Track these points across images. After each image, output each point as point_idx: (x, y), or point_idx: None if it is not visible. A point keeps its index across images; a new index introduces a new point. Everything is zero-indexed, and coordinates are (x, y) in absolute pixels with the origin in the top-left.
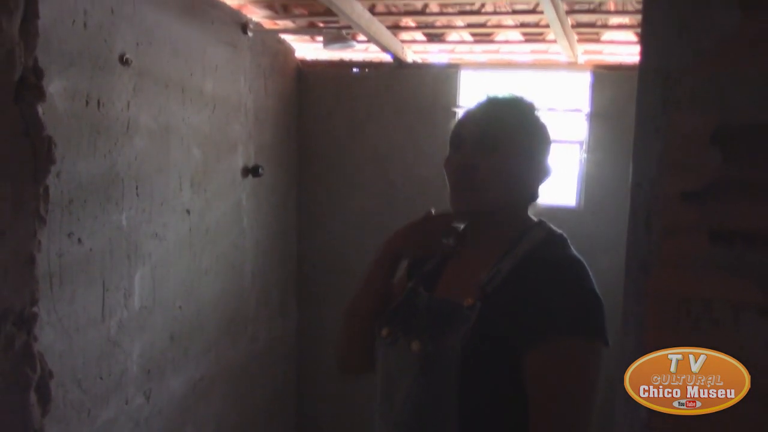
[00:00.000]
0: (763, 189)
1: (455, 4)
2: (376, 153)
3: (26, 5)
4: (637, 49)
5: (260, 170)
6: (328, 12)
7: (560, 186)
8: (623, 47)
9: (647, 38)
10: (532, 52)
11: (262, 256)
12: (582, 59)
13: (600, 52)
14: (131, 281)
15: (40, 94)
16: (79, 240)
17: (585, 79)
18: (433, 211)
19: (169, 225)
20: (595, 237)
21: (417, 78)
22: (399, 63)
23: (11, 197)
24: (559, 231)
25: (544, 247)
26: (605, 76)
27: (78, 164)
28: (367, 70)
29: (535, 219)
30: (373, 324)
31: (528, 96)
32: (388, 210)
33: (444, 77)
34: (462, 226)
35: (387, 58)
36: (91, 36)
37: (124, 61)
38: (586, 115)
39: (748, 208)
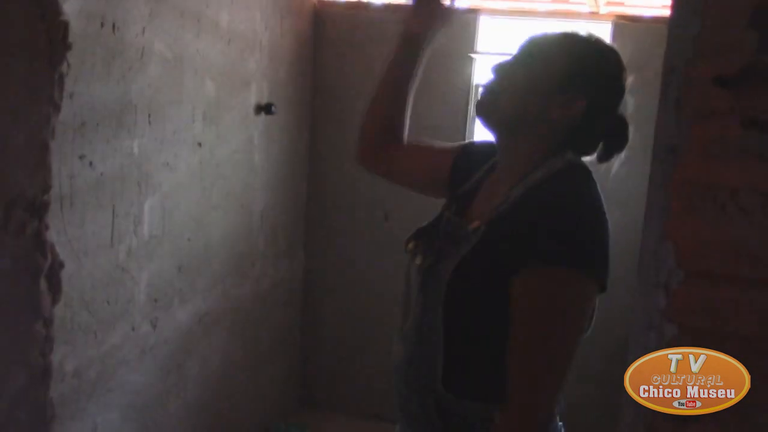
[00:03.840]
0: None
1: None
2: None
3: None
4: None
5: (273, 108)
6: None
7: None
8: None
9: None
10: (553, 1)
11: (272, 196)
12: (604, 10)
13: (622, 4)
14: (141, 209)
15: None
16: (91, 163)
17: (606, 30)
18: None
19: (180, 156)
20: (609, 190)
21: None
22: None
23: (25, 80)
24: (585, 164)
25: (560, 176)
26: (626, 27)
27: (91, 87)
28: (385, 11)
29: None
30: (397, 95)
31: (602, 40)
32: None
33: (463, 22)
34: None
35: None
36: None
37: None
38: None
39: None
